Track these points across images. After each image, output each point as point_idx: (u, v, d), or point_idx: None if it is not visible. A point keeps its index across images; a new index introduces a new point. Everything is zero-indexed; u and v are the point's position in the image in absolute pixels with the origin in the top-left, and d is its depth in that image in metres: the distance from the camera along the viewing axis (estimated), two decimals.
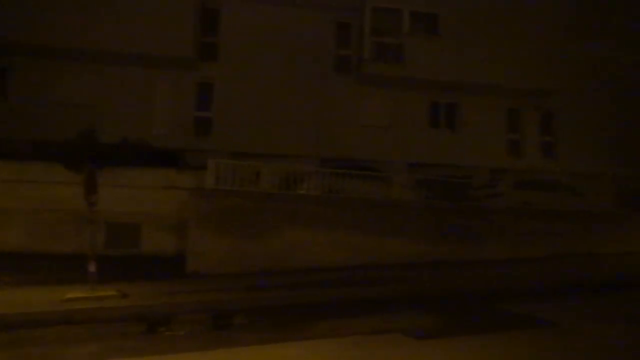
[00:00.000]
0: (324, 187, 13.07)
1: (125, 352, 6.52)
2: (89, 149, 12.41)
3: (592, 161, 18.03)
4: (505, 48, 17.72)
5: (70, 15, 14.65)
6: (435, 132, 18.62)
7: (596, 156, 18.13)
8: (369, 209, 12.54)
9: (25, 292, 9.74)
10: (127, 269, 10.66)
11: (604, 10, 19.17)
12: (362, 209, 12.51)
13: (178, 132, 16.03)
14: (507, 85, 18.16)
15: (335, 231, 11.98)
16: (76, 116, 14.35)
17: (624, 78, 19.39)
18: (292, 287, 9.81)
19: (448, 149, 18.14)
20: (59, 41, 14.64)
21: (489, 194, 14.41)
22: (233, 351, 6.48)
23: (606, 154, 18.12)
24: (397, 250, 12.18)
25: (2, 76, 15.17)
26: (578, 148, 18.69)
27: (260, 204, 11.86)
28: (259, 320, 7.96)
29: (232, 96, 16.80)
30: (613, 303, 8.45)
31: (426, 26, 17.86)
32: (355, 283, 10.18)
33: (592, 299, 8.73)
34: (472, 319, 7.70)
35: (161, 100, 16.43)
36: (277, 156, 15.31)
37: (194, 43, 16.26)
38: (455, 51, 17.48)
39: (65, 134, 13.58)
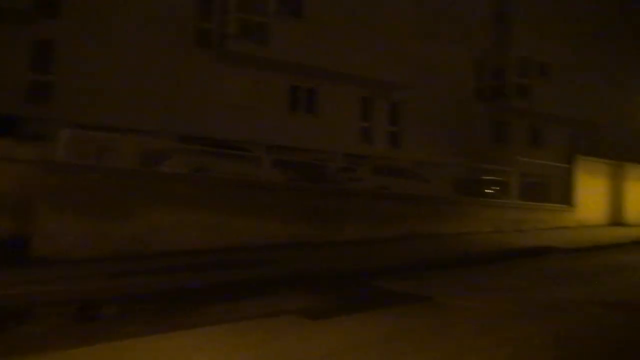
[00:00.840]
0: (189, 165, 12.34)
1: None
2: None
3: (432, 151, 19.95)
4: (363, 39, 18.56)
5: None
6: (294, 116, 18.82)
7: (435, 146, 20.11)
8: (237, 190, 12.16)
9: None
10: None
11: (450, 14, 21.22)
12: (230, 189, 12.08)
13: (9, 96, 13.72)
14: (362, 75, 19.08)
15: (202, 212, 11.37)
16: None
17: (460, 78, 21.75)
18: (163, 272, 9.06)
19: (307, 133, 18.50)
20: None
21: (349, 177, 15.06)
22: (114, 345, 5.71)
23: (443, 145, 20.20)
24: (265, 231, 12.04)
25: None
26: (420, 138, 20.53)
27: (121, 181, 10.70)
28: (134, 309, 7.20)
29: (78, 59, 14.92)
30: (473, 276, 9.42)
31: (291, 9, 17.86)
32: (228, 265, 9.80)
33: (452, 274, 9.61)
34: (356, 297, 7.93)
35: None
36: (130, 130, 14.02)
37: None
38: (318, 36, 17.81)
39: None
